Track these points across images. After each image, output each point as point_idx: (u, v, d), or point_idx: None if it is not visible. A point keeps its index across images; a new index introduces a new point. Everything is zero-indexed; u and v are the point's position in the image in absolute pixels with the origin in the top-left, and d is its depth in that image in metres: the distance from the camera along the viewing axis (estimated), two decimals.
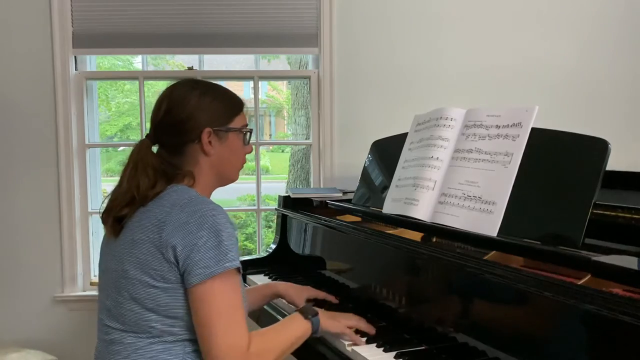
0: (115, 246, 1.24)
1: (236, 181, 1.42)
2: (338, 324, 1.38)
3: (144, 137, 1.33)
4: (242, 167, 1.40)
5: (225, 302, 1.14)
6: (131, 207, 1.22)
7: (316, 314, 1.35)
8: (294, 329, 1.31)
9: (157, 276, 1.16)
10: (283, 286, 1.68)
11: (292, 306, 1.69)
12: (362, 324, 1.41)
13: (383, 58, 2.68)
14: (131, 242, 1.20)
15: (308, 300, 1.63)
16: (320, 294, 1.66)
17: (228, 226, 1.18)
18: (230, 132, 1.32)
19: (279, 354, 1.24)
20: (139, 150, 1.28)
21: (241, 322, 1.16)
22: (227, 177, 1.37)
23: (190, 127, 1.27)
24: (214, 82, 1.39)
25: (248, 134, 1.38)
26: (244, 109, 1.38)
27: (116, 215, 1.23)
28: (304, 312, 1.35)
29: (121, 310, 1.20)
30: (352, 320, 1.41)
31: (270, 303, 1.76)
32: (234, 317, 1.14)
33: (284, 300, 1.71)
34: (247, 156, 1.42)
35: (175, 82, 1.34)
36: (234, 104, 1.36)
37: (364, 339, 1.38)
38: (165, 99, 1.30)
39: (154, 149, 1.31)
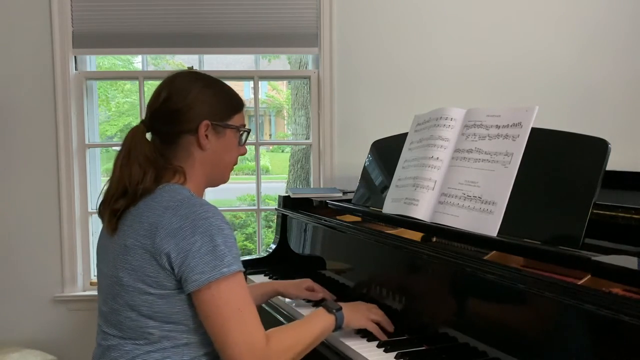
0: (110, 248, 1.22)
1: (234, 182, 1.40)
2: (361, 319, 1.38)
3: (135, 125, 1.29)
4: (233, 168, 1.37)
5: (231, 305, 1.11)
6: (124, 200, 1.19)
7: (340, 308, 1.34)
8: (316, 324, 1.28)
9: (152, 283, 1.13)
10: (281, 284, 1.68)
11: (292, 305, 1.69)
12: (384, 319, 1.41)
13: (383, 58, 2.68)
14: (124, 248, 1.16)
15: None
16: (318, 287, 1.67)
17: (223, 228, 1.14)
18: (228, 129, 1.29)
19: (302, 348, 1.21)
20: (133, 136, 1.24)
21: (253, 321, 1.13)
22: (217, 176, 1.33)
23: (189, 117, 1.24)
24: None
25: (245, 134, 1.35)
26: (244, 110, 1.36)
27: (112, 208, 1.20)
28: (328, 307, 1.34)
29: (118, 317, 1.18)
30: (375, 314, 1.41)
31: (270, 302, 1.76)
32: (244, 317, 1.11)
33: (281, 299, 1.72)
34: (247, 156, 1.41)
35: (177, 72, 1.30)
36: (235, 102, 1.33)
37: (365, 338, 1.38)
38: (166, 86, 1.27)
39: (148, 137, 1.27)
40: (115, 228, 1.20)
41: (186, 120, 1.24)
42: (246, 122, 1.38)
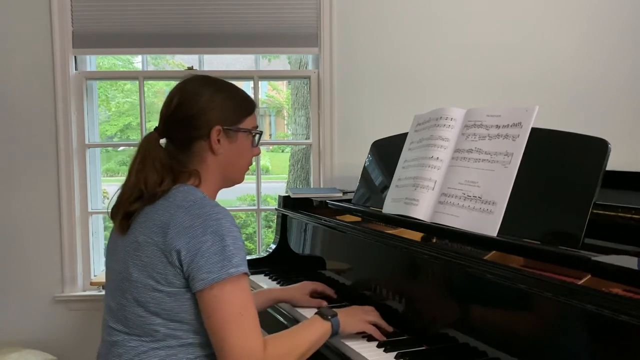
0: (121, 246, 1.23)
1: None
2: (358, 323, 1.38)
3: (149, 132, 1.31)
4: (248, 169, 1.38)
5: (233, 307, 1.11)
6: (139, 203, 1.21)
7: (335, 314, 1.34)
8: (312, 331, 1.29)
9: (161, 280, 1.15)
10: (283, 291, 1.68)
11: (294, 307, 1.69)
12: (382, 321, 1.41)
13: (383, 58, 2.68)
14: (135, 244, 1.18)
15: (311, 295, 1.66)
16: (319, 286, 1.67)
17: (233, 230, 1.15)
18: (240, 132, 1.31)
19: (298, 356, 1.21)
20: (148, 143, 1.26)
21: (253, 326, 1.13)
22: (232, 178, 1.35)
23: (200, 123, 1.25)
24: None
25: (257, 135, 1.36)
26: (255, 111, 1.37)
27: (125, 211, 1.22)
28: (323, 314, 1.34)
29: (125, 312, 1.19)
30: (371, 316, 1.41)
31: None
32: (245, 321, 1.12)
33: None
34: None
35: (188, 77, 1.31)
36: (246, 104, 1.34)
37: (365, 338, 1.38)
38: (178, 92, 1.28)
39: (162, 143, 1.29)
40: (128, 228, 1.22)
41: (198, 127, 1.26)
42: (258, 123, 1.38)
